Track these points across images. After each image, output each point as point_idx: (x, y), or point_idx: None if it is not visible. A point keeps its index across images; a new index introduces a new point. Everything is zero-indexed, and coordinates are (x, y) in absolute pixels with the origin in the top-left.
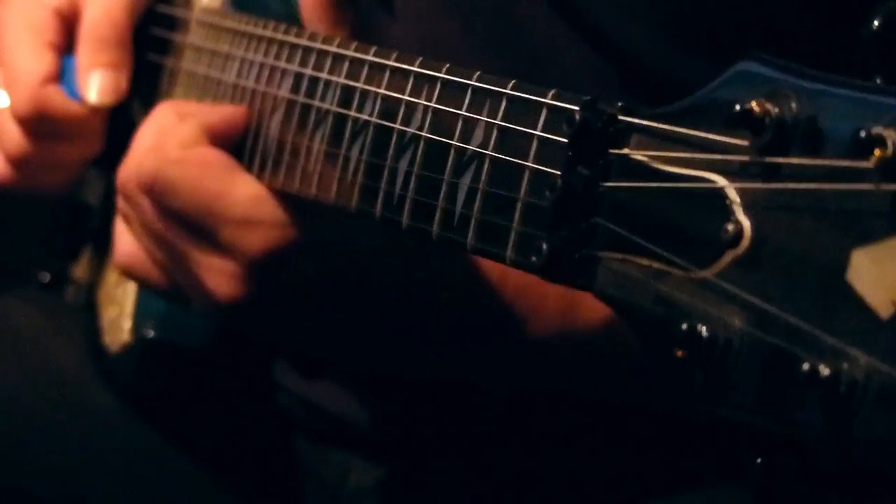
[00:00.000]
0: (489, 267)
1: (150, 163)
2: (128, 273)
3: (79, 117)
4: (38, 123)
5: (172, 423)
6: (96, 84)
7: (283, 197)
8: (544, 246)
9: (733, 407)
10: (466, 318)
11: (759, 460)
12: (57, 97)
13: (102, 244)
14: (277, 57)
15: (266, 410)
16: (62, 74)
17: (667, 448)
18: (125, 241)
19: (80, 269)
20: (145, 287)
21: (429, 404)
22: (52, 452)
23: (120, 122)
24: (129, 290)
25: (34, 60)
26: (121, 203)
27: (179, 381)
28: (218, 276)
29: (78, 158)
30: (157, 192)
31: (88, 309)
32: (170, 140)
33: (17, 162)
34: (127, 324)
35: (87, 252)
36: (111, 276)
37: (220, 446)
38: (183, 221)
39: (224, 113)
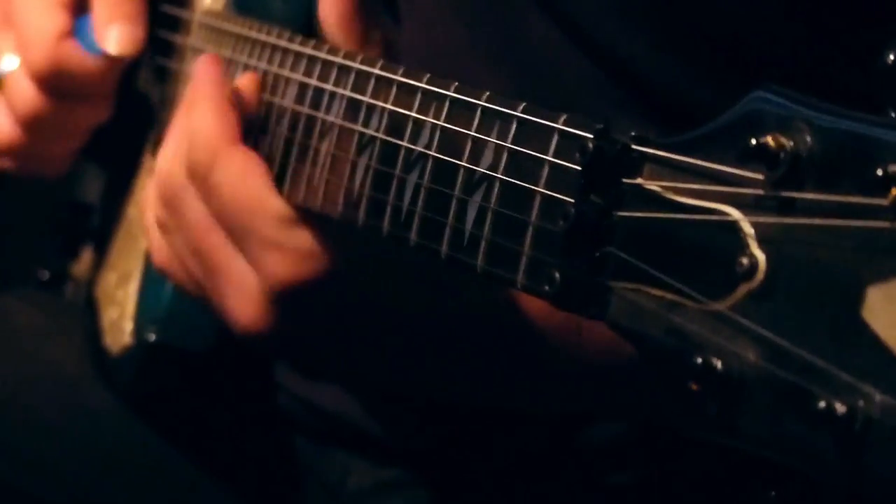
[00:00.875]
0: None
1: (203, 154)
2: (166, 276)
3: (95, 73)
4: (54, 80)
5: (173, 424)
6: (115, 36)
7: (314, 224)
8: (557, 274)
9: (747, 440)
10: (511, 350)
11: (772, 493)
12: (74, 52)
13: (102, 243)
14: (281, 65)
15: (267, 411)
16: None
17: (681, 479)
18: (162, 247)
19: (81, 268)
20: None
21: (428, 404)
22: (51, 452)
23: (121, 118)
24: (131, 292)
25: (48, 18)
26: (159, 210)
27: (180, 382)
28: (241, 294)
29: (87, 123)
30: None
31: (87, 307)
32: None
33: (27, 122)
34: (128, 326)
35: (88, 251)
36: (111, 276)
37: (220, 447)
38: (220, 220)
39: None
